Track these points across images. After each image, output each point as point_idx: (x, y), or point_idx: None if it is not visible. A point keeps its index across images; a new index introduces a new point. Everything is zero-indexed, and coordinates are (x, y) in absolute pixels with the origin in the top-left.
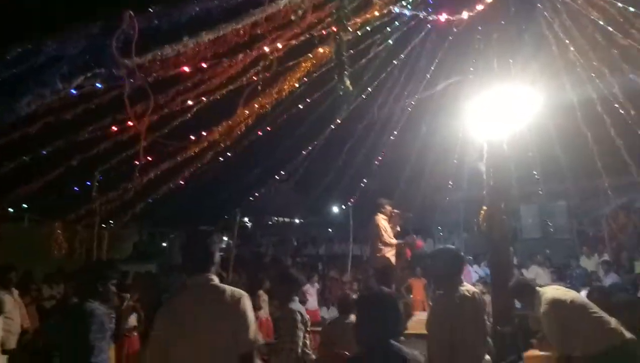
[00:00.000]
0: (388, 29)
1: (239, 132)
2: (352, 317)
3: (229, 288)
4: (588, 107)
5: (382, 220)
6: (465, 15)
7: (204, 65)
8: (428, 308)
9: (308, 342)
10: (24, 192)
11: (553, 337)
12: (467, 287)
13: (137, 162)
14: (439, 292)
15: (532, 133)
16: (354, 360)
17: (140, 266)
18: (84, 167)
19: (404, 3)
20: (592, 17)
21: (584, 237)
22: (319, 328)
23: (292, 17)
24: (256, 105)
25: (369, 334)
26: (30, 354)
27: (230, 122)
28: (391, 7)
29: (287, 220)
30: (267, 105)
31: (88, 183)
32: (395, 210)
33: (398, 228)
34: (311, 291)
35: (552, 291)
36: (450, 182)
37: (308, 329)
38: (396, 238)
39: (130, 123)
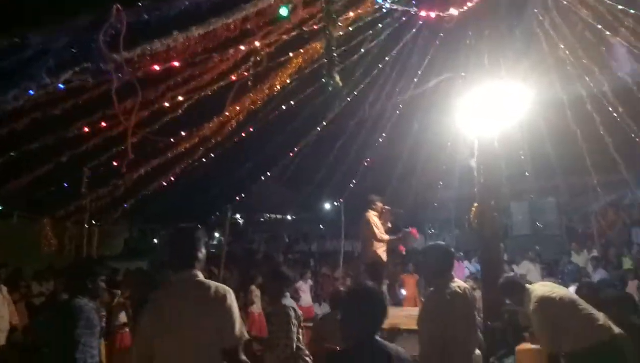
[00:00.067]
0: (379, 25)
1: (230, 128)
2: None
3: (213, 284)
4: (578, 105)
5: (373, 217)
6: (455, 12)
7: (194, 60)
8: (420, 304)
9: (301, 337)
10: (13, 188)
11: (542, 335)
12: (458, 283)
13: (115, 163)
14: (430, 289)
15: (523, 130)
16: (338, 356)
17: (131, 263)
18: (73, 163)
19: None
20: (582, 15)
21: (573, 234)
22: (312, 324)
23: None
24: (247, 102)
25: (354, 329)
26: (19, 351)
27: (221, 118)
28: (382, 2)
29: (279, 216)
30: (259, 101)
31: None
32: (386, 207)
33: (389, 225)
34: (304, 288)
35: (541, 289)
36: (440, 182)
37: (301, 325)
38: (387, 234)
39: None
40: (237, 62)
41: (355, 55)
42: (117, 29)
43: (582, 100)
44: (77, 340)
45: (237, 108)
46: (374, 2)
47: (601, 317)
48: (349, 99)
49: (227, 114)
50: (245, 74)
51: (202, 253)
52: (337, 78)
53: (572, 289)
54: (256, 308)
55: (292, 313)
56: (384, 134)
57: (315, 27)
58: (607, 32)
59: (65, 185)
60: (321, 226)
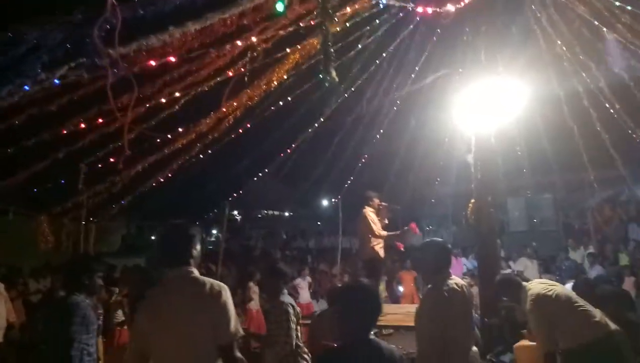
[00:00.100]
0: (377, 21)
1: (227, 125)
2: None
3: (208, 281)
4: (574, 101)
5: (370, 213)
6: (452, 7)
7: (190, 56)
8: (418, 300)
9: (300, 334)
10: (9, 185)
11: (539, 333)
12: (456, 280)
13: (112, 160)
14: (427, 286)
15: (520, 126)
16: (332, 354)
17: (128, 259)
18: (70, 160)
19: None
20: (579, 11)
21: (570, 230)
22: (309, 321)
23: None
24: (244, 98)
25: (349, 327)
26: (16, 348)
27: (218, 114)
28: None
29: (276, 213)
30: (256, 97)
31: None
32: (383, 203)
33: (386, 221)
34: (302, 284)
35: (537, 286)
36: (437, 179)
37: (300, 322)
38: (385, 231)
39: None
40: (233, 58)
41: (353, 52)
42: (112, 24)
43: (579, 97)
44: (73, 338)
45: (235, 104)
46: None
47: (598, 313)
48: (346, 95)
49: (224, 110)
50: (242, 70)
51: (196, 250)
52: (334, 73)
53: (568, 286)
54: (254, 305)
55: (290, 310)
56: (381, 130)
57: (312, 22)
58: (604, 29)
59: (62, 181)
60: (319, 223)
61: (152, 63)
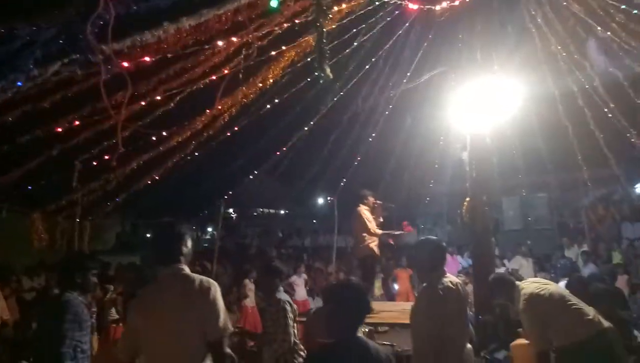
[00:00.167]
0: (372, 18)
1: (222, 122)
2: None
3: (198, 277)
4: (569, 100)
5: (365, 211)
6: (446, 4)
7: (185, 52)
8: (413, 298)
9: (296, 332)
10: (3, 182)
11: (532, 333)
12: (451, 278)
13: (107, 157)
14: (422, 285)
15: (514, 125)
16: (319, 352)
17: (123, 257)
18: (64, 157)
19: None
20: (574, 10)
21: (564, 229)
22: (305, 319)
23: None
24: (239, 95)
25: (337, 325)
26: (10, 346)
27: (213, 112)
28: None
29: (272, 211)
30: (251, 95)
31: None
32: (378, 201)
33: (381, 219)
34: (298, 282)
35: (530, 286)
36: (432, 181)
37: (296, 319)
38: (381, 229)
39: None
40: (228, 55)
41: (348, 50)
42: (106, 20)
43: (573, 96)
44: (65, 335)
45: (230, 102)
46: None
47: (591, 311)
48: (342, 93)
49: (219, 107)
50: (237, 67)
51: (187, 248)
52: (328, 70)
53: (562, 284)
54: (249, 302)
55: (288, 308)
56: (377, 129)
57: (307, 19)
58: (599, 28)
59: (57, 179)
60: (314, 221)
61: (147, 59)
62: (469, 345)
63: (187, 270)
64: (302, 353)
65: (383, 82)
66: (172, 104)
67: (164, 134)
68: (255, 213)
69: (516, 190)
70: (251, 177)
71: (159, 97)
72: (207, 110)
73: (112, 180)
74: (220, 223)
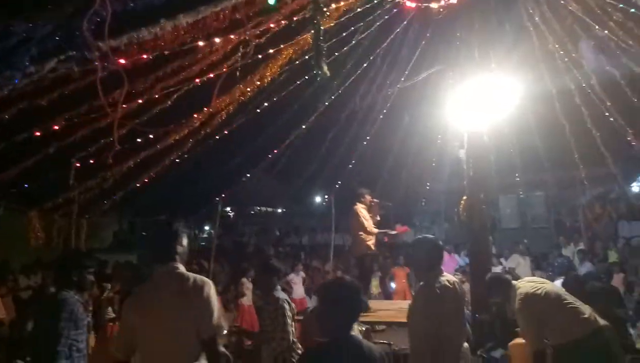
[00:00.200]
0: (370, 16)
1: (220, 120)
2: None
3: (192, 276)
4: (566, 98)
5: (362, 210)
6: (444, 3)
7: (182, 49)
8: (410, 297)
9: (294, 330)
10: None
11: (528, 332)
12: (448, 277)
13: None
14: (420, 284)
15: (512, 124)
16: (312, 351)
17: (120, 256)
18: (61, 155)
19: None
20: (571, 8)
21: (561, 227)
22: (302, 317)
23: None
24: (237, 93)
25: (330, 324)
26: (6, 345)
27: (211, 109)
28: None
29: (269, 209)
30: (249, 93)
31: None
32: (375, 200)
33: (378, 218)
34: (296, 280)
35: (527, 285)
36: (430, 176)
37: (295, 318)
38: (377, 227)
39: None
40: (226, 53)
41: (346, 47)
42: (102, 16)
43: (570, 94)
44: (60, 333)
45: (227, 99)
46: None
47: (587, 310)
48: (339, 91)
49: (217, 105)
50: (235, 65)
51: (182, 246)
52: (325, 68)
53: (558, 282)
54: (246, 300)
55: (286, 306)
56: (374, 127)
57: (305, 17)
58: (596, 26)
59: (53, 177)
60: (312, 219)
61: (144, 57)
62: (465, 344)
63: (182, 268)
64: (299, 352)
65: (381, 80)
66: (169, 102)
67: (162, 131)
68: (252, 212)
69: (513, 189)
70: (249, 175)
71: (156, 95)
72: (205, 108)
73: (109, 178)
74: (217, 222)
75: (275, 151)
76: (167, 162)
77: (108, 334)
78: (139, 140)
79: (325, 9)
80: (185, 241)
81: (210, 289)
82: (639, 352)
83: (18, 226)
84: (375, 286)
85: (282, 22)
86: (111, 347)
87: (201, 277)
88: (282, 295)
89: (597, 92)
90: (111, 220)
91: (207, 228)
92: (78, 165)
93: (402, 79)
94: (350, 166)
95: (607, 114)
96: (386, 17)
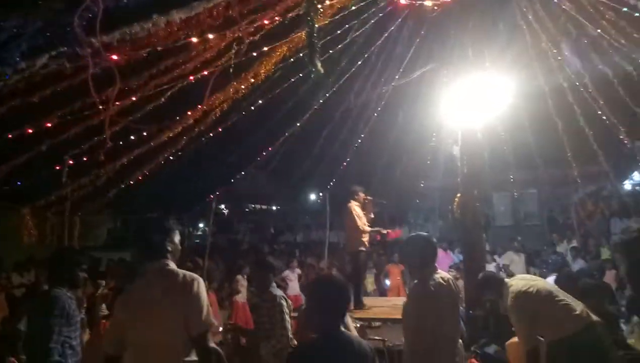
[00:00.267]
0: (365, 14)
1: (214, 118)
2: None
3: (182, 272)
4: (559, 96)
5: (355, 207)
6: (438, 1)
7: (176, 45)
8: (404, 293)
9: (290, 326)
10: None
11: (521, 330)
12: (442, 274)
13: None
14: (414, 282)
15: (505, 122)
16: (302, 348)
17: (115, 253)
18: (54, 152)
19: None
20: (565, 7)
21: (554, 224)
22: (297, 314)
23: None
24: (231, 90)
25: (318, 320)
26: None
27: (205, 107)
28: None
29: (264, 207)
30: (243, 90)
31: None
32: (369, 197)
33: (372, 215)
34: (291, 277)
35: (519, 283)
36: (422, 180)
37: (291, 314)
38: (371, 225)
39: (98, 106)
40: (219, 50)
41: (341, 45)
42: (94, 12)
43: (563, 92)
44: (52, 330)
45: (222, 97)
46: None
47: (579, 306)
48: (334, 89)
49: (210, 103)
50: (229, 62)
51: (174, 243)
52: (319, 65)
53: (551, 279)
54: (241, 297)
55: (284, 303)
56: (369, 124)
57: (299, 13)
58: (589, 25)
59: (46, 174)
60: (307, 217)
61: (136, 53)
62: (459, 341)
63: (172, 265)
64: None
65: (375, 78)
66: (162, 99)
67: (155, 129)
68: (247, 209)
69: (506, 186)
70: (243, 172)
71: (149, 92)
72: (199, 106)
73: (102, 176)
74: (212, 219)
75: (270, 148)
76: (161, 160)
77: (102, 331)
78: (132, 137)
79: (319, 6)
80: (176, 238)
81: (200, 286)
82: (631, 347)
83: (11, 223)
84: (370, 283)
85: (276, 18)
86: (104, 343)
87: (191, 274)
88: (278, 292)
89: (590, 91)
90: (106, 218)
91: (201, 225)
92: (71, 162)
93: (397, 77)
94: (345, 164)
95: (599, 112)
96: (380, 14)
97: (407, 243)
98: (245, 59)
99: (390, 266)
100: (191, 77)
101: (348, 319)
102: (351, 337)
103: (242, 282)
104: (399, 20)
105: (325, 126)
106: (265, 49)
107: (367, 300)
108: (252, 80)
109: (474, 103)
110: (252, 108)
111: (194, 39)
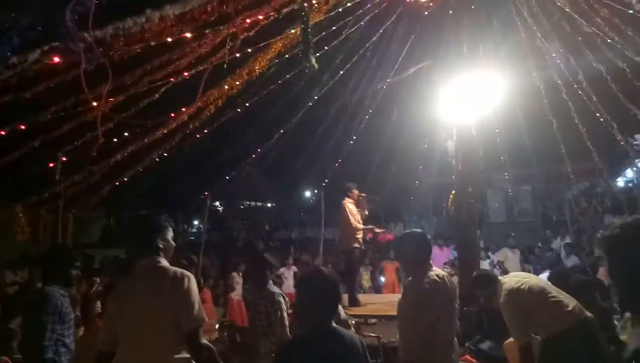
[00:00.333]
0: (360, 10)
1: (209, 114)
2: None
3: (173, 269)
4: (553, 93)
5: (349, 204)
6: None
7: (170, 41)
8: (399, 290)
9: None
10: None
11: (514, 327)
12: (437, 271)
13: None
14: (409, 279)
15: (500, 119)
16: (293, 343)
17: (109, 251)
18: (47, 149)
19: None
20: (559, 4)
21: (548, 221)
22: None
23: None
24: (226, 87)
25: (309, 316)
26: None
27: (199, 103)
28: None
29: (259, 204)
30: (238, 86)
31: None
32: (363, 194)
33: (366, 212)
34: (287, 274)
35: (512, 280)
36: (416, 179)
37: (289, 311)
38: (365, 222)
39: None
40: (214, 46)
41: (336, 41)
42: (87, 6)
43: (558, 89)
44: (45, 328)
45: (216, 93)
46: None
47: (571, 302)
48: (329, 85)
49: (204, 99)
50: (223, 58)
51: (165, 240)
52: (314, 60)
53: (544, 275)
54: (236, 294)
55: (282, 300)
56: (364, 121)
57: (294, 9)
58: (583, 22)
59: (39, 171)
60: (302, 214)
61: (130, 49)
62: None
63: (164, 262)
64: None
65: (370, 74)
66: (156, 95)
67: (149, 125)
68: (242, 206)
69: (501, 183)
70: (238, 169)
71: (143, 88)
72: (193, 102)
73: (95, 173)
74: (206, 216)
75: (265, 145)
76: (155, 157)
77: (96, 328)
78: (126, 134)
79: (314, 1)
80: (169, 235)
81: (191, 282)
82: (623, 343)
83: (4, 221)
84: (366, 280)
85: (272, 14)
86: (97, 340)
87: (181, 270)
88: (276, 289)
89: (584, 88)
90: (100, 216)
91: (196, 222)
92: (64, 159)
93: (392, 73)
94: (340, 160)
95: (593, 109)
96: (375, 11)
97: (402, 240)
98: (239, 55)
99: (385, 263)
100: (185, 73)
101: (345, 316)
102: (343, 331)
103: (237, 279)
104: (394, 16)
105: (320, 123)
106: (260, 45)
107: (362, 297)
108: (247, 76)
109: (468, 99)
110: (247, 105)
111: (188, 35)
